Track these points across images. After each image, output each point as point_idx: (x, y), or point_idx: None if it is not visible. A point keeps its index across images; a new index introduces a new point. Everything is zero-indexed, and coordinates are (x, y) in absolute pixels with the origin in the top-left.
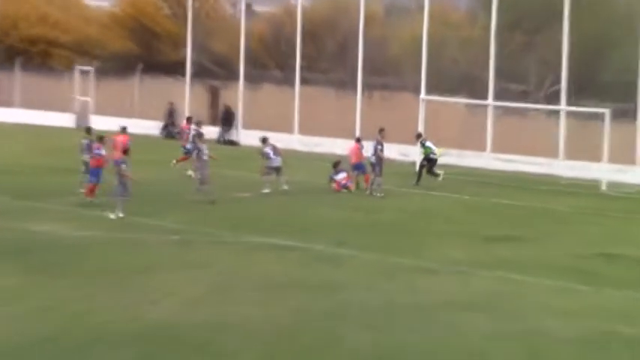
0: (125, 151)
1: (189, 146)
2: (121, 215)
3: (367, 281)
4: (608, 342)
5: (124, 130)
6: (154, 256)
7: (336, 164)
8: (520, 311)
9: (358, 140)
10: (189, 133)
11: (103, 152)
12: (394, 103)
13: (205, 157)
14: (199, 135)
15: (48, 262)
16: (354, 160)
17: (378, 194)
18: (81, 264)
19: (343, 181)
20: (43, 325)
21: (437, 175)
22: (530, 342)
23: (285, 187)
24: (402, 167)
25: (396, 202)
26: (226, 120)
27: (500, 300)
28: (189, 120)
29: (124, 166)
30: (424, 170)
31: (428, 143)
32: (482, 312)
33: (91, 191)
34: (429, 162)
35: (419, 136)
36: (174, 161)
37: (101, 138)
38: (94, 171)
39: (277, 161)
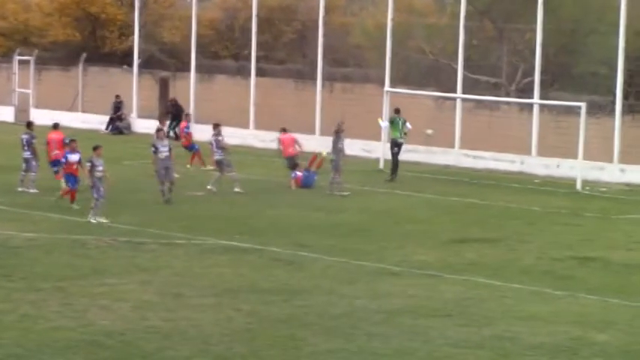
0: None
1: (195, 146)
2: (102, 220)
3: (327, 285)
4: (580, 349)
5: (56, 126)
6: (102, 258)
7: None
8: (489, 317)
9: (284, 130)
10: (189, 132)
11: (76, 157)
12: (357, 95)
13: (162, 155)
14: (158, 130)
15: None
16: (290, 152)
17: (343, 193)
18: (26, 267)
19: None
20: None
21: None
22: (499, 349)
23: (238, 189)
24: (365, 164)
25: (358, 201)
26: (176, 114)
27: (468, 305)
28: (187, 117)
29: (100, 167)
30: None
31: (408, 124)
32: (448, 317)
33: (72, 197)
34: (399, 148)
35: (397, 111)
36: (188, 165)
37: (72, 141)
38: (69, 177)
39: (219, 154)
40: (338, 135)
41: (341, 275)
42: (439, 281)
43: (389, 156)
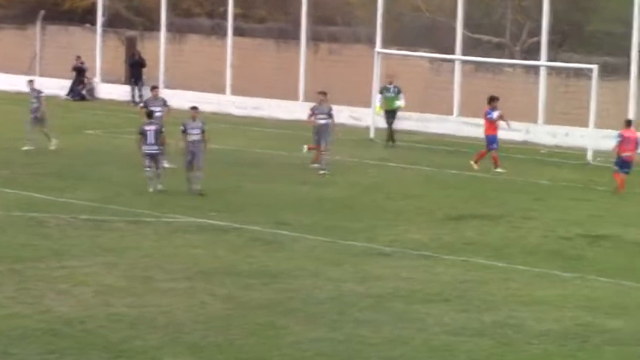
0: None
1: None
2: None
3: (312, 267)
4: (590, 336)
5: None
6: (62, 238)
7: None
8: (490, 302)
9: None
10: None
11: None
12: (345, 57)
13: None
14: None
15: None
16: None
17: (320, 171)
18: None
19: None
20: None
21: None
22: (502, 336)
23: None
24: (353, 133)
25: (346, 174)
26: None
27: (467, 289)
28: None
29: None
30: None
31: (402, 100)
32: (445, 302)
33: None
34: (393, 117)
35: (390, 79)
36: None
37: None
38: None
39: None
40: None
41: (326, 256)
42: (435, 262)
43: (381, 124)
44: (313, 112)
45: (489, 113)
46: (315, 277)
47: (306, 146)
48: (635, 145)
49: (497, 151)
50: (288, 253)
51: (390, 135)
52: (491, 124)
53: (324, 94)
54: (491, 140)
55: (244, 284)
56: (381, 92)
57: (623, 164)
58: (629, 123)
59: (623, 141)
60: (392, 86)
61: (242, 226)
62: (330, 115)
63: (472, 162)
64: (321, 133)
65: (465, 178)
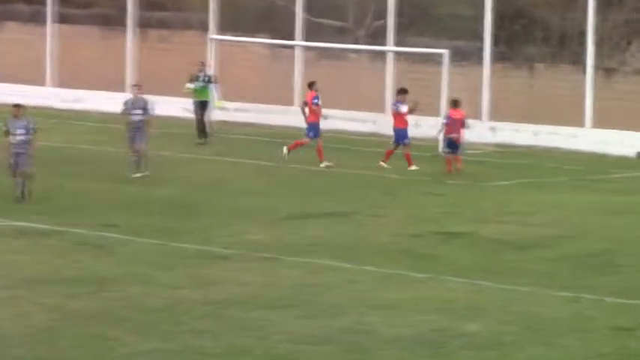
0: None
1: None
2: None
3: (143, 273)
4: (446, 341)
5: None
6: None
7: None
8: (337, 306)
9: None
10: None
11: None
12: (176, 45)
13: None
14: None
15: None
16: None
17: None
18: None
19: None
20: None
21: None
22: (351, 343)
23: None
24: (186, 127)
25: (179, 171)
26: None
27: (313, 293)
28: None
29: None
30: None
31: (213, 87)
32: (289, 308)
33: None
34: (203, 109)
35: (202, 64)
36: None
37: None
38: None
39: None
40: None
41: (159, 260)
42: (277, 265)
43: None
44: (127, 107)
45: (397, 105)
46: (146, 283)
47: (285, 148)
48: (461, 125)
49: (408, 147)
50: (117, 258)
51: (202, 129)
52: (401, 117)
53: (139, 86)
54: (401, 135)
55: (71, 292)
56: (192, 81)
57: (452, 145)
58: (455, 103)
59: (449, 122)
60: (202, 74)
61: (67, 229)
62: (146, 111)
63: (381, 162)
64: (134, 131)
65: (309, 173)
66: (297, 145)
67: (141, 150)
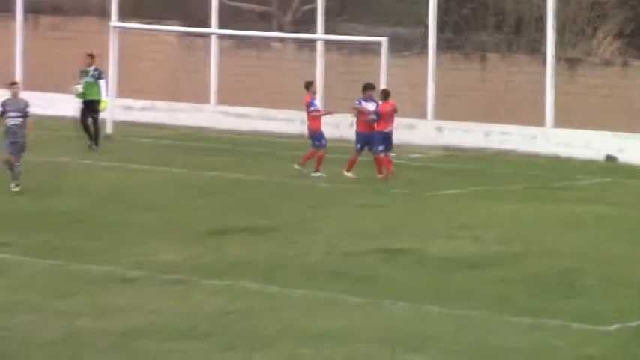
0: None
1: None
2: None
3: (36, 299)
4: None
5: None
6: None
7: None
8: (262, 337)
9: None
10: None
11: None
12: (72, 33)
13: None
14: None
15: None
16: None
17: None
18: None
19: None
20: None
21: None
22: None
23: None
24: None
25: (77, 180)
26: None
27: (234, 320)
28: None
29: None
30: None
31: (103, 84)
32: (207, 339)
33: None
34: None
35: (92, 56)
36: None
37: None
38: None
39: None
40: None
41: (55, 284)
42: (192, 289)
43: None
44: (4, 109)
45: (359, 103)
46: (40, 310)
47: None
48: (394, 117)
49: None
50: (8, 282)
51: (92, 132)
52: (364, 118)
53: (16, 84)
54: (362, 139)
55: None
56: (81, 77)
57: (387, 141)
58: (386, 94)
59: (382, 116)
60: (92, 69)
61: None
62: (26, 114)
63: (345, 172)
64: (12, 136)
65: (228, 182)
66: (308, 159)
67: (17, 158)
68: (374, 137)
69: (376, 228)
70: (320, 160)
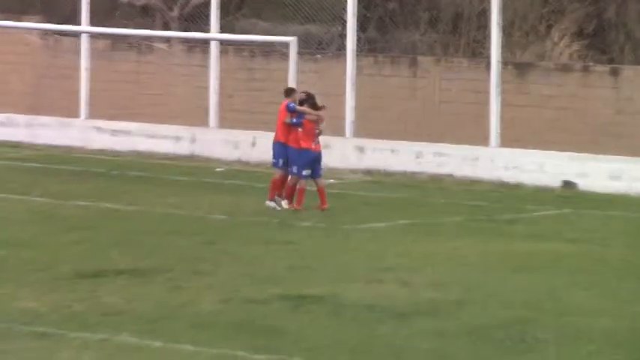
0: None
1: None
2: None
3: None
4: None
5: None
6: None
7: None
8: None
9: None
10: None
11: None
12: None
13: None
14: None
15: None
16: None
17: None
18: None
19: None
20: None
21: None
22: None
23: None
24: None
25: None
26: None
27: None
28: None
29: None
30: None
31: None
32: None
33: None
34: None
35: None
36: None
37: None
38: None
39: None
40: None
41: None
42: (59, 344)
43: None
44: None
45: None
46: None
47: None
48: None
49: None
50: None
51: None
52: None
53: None
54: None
55: None
56: None
57: (314, 162)
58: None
59: (304, 129)
60: None
61: None
62: None
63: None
64: None
65: (102, 214)
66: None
67: None
68: (290, 154)
69: (283, 270)
70: (277, 186)
